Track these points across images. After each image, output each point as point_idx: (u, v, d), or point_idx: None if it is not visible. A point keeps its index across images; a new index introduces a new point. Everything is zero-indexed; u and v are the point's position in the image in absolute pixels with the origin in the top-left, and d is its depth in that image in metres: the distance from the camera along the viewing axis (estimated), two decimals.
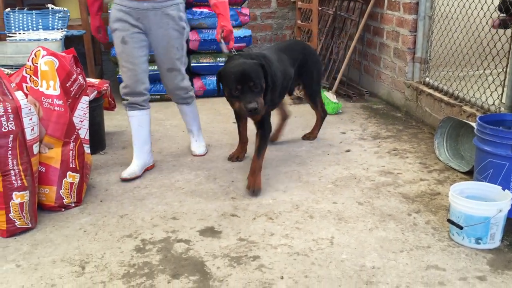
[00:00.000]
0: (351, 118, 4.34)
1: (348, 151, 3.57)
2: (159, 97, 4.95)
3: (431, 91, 3.96)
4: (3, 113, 2.38)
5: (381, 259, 2.24)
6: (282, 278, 2.13)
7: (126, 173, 3.14)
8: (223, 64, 5.01)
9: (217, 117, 4.48)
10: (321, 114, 3.77)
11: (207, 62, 5.05)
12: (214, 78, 5.04)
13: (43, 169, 2.70)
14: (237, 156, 3.45)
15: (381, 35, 4.76)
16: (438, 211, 2.66)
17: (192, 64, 5.01)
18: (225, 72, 2.79)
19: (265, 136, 3.03)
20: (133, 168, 3.17)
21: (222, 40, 3.15)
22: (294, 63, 3.36)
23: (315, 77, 3.59)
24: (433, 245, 2.35)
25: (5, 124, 2.39)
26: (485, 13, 3.36)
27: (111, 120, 4.27)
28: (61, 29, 4.66)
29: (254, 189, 2.88)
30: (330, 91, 4.73)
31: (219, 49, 5.04)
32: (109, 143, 3.81)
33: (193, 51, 5.05)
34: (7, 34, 4.58)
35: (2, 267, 2.22)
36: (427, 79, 4.12)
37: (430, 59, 4.13)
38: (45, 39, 4.41)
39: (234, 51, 3.16)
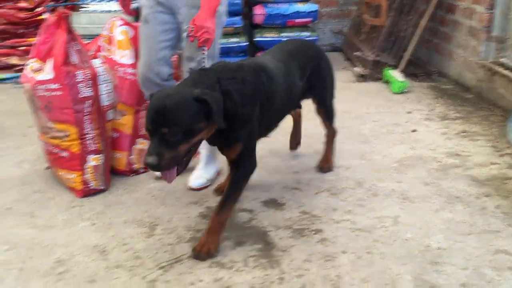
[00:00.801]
0: (417, 98, 4.21)
1: (414, 131, 3.48)
2: None
3: (506, 72, 3.76)
4: (82, 80, 2.49)
5: (447, 241, 2.19)
6: (344, 252, 2.13)
7: (197, 182, 2.71)
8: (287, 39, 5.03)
9: None
10: (334, 133, 2.99)
11: (271, 37, 5.03)
12: None
13: (116, 135, 2.82)
14: (223, 189, 2.45)
15: (454, 12, 4.55)
16: (510, 196, 2.56)
17: (256, 39, 5.02)
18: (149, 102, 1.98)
19: (238, 181, 2.20)
20: (205, 176, 2.74)
21: (186, 37, 2.37)
22: (303, 72, 2.59)
23: (329, 90, 2.87)
24: (503, 230, 2.27)
25: (83, 90, 2.51)
26: None
27: None
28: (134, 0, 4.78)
29: (202, 252, 2.10)
30: (396, 69, 4.61)
31: (283, 24, 5.03)
32: None
33: (258, 25, 5.05)
34: (81, 5, 4.75)
35: (79, 225, 2.36)
36: (503, 59, 3.92)
37: (507, 38, 3.91)
38: (116, 10, 4.54)
39: (204, 58, 2.33)
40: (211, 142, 2.19)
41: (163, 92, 1.97)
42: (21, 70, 4.70)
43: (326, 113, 2.88)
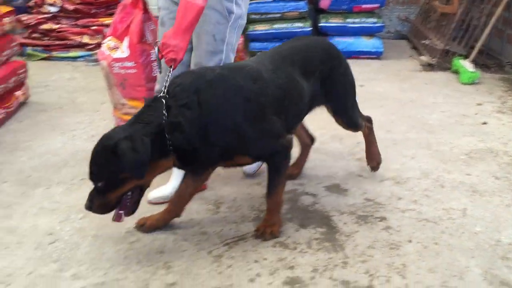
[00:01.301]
0: (488, 90, 4.04)
1: (484, 123, 3.36)
2: None
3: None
4: (155, 58, 2.56)
5: None
6: (410, 241, 2.10)
7: (152, 196, 2.41)
8: (352, 26, 4.95)
9: None
10: (369, 130, 2.67)
11: (336, 23, 4.97)
12: (341, 39, 4.96)
13: None
14: (143, 223, 2.20)
15: None
16: None
17: (321, 24, 4.97)
18: None
19: (273, 170, 2.10)
20: (163, 191, 2.43)
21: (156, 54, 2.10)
22: (311, 76, 2.25)
23: (348, 98, 2.48)
24: None
25: (155, 69, 2.58)
26: None
27: None
28: None
29: (266, 233, 2.12)
30: (466, 59, 4.43)
31: (349, 9, 4.94)
32: None
33: (323, 10, 4.99)
34: None
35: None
36: None
37: None
38: None
39: (167, 78, 2.00)
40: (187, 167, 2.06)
41: (104, 137, 1.89)
42: (92, 49, 4.94)
43: (345, 123, 2.52)
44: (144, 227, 2.18)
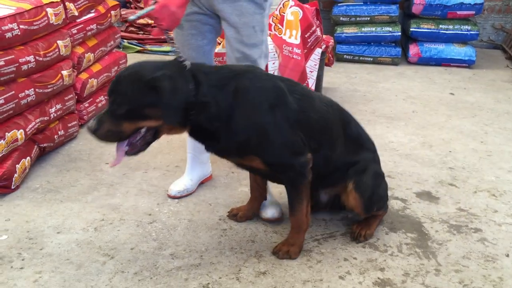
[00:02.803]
0: None
1: None
2: (371, 59, 4.95)
3: None
4: None
5: None
6: (507, 256, 2.03)
7: (175, 190, 2.41)
8: (444, 32, 4.81)
9: (431, 86, 4.32)
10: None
11: (428, 28, 4.85)
12: (432, 45, 4.85)
13: None
14: (236, 213, 2.27)
15: None
16: None
17: (411, 29, 4.87)
18: None
19: (292, 190, 1.98)
20: (184, 184, 2.44)
21: (141, 13, 1.87)
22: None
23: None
24: None
25: None
26: None
27: (326, 76, 4.42)
28: None
29: (281, 251, 2.00)
30: None
31: (443, 15, 4.80)
32: None
33: (415, 15, 4.89)
34: None
35: (238, 189, 2.53)
36: None
37: None
38: None
39: (175, 48, 1.88)
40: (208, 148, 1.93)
41: (139, 66, 1.77)
42: None
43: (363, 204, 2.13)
44: (237, 217, 2.25)
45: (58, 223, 2.19)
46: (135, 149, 1.83)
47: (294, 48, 2.88)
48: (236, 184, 2.59)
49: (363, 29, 4.86)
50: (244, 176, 2.66)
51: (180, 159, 2.84)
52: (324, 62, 3.95)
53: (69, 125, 3.00)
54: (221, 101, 1.79)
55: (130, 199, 2.40)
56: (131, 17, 1.94)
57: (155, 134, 1.82)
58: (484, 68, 4.81)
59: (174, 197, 2.41)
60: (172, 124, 1.76)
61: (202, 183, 2.54)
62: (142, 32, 5.29)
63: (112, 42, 3.72)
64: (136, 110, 1.70)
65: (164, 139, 3.06)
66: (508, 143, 3.11)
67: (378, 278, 1.89)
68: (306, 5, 3.01)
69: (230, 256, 2.00)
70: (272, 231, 2.18)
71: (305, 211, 1.99)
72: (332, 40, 3.91)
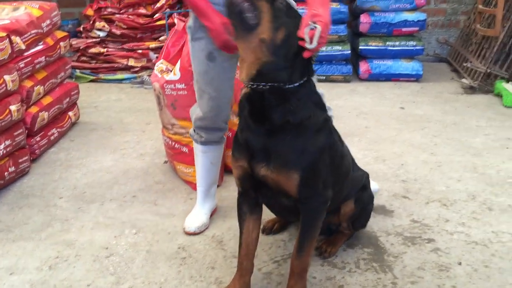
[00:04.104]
0: None
1: None
2: (324, 77, 5.06)
3: None
4: None
5: None
6: (460, 264, 2.10)
7: (194, 226, 2.35)
8: (392, 48, 4.98)
9: (382, 101, 4.45)
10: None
11: (375, 46, 5.01)
12: (380, 62, 5.01)
13: (230, 134, 2.96)
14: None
15: None
16: None
17: (360, 47, 5.03)
18: None
19: (309, 221, 1.81)
20: (201, 219, 2.39)
21: (307, 38, 1.59)
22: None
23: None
24: None
25: None
26: None
27: None
28: None
29: None
30: (509, 82, 4.39)
31: (389, 32, 4.98)
32: None
33: (363, 33, 5.05)
34: None
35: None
36: None
37: None
38: None
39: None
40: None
41: None
42: (138, 72, 5.13)
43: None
44: None
45: (11, 263, 2.12)
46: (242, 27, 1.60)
47: None
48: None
49: None
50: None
51: (137, 189, 2.81)
52: None
53: (20, 160, 2.93)
54: (302, 102, 1.64)
55: (85, 234, 2.35)
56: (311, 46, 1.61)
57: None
58: (431, 81, 5.00)
59: (194, 234, 2.33)
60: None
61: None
62: (94, 61, 5.25)
63: (63, 74, 3.68)
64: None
65: (120, 169, 3.05)
66: (456, 153, 3.23)
67: None
68: None
69: (190, 285, 1.99)
70: (231, 256, 2.18)
71: (312, 252, 1.85)
72: None
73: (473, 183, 2.82)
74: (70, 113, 3.74)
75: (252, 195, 1.82)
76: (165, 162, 3.13)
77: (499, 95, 4.35)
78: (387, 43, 4.98)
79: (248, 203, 1.85)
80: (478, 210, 2.53)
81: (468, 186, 2.78)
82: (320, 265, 2.11)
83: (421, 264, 2.10)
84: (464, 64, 4.98)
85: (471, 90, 4.59)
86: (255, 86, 1.61)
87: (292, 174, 1.67)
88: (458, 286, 1.96)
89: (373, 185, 2.51)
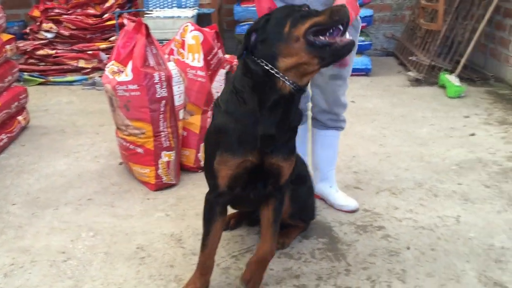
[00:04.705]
0: (474, 102, 4.21)
1: (472, 134, 3.50)
2: None
3: None
4: (158, 81, 2.68)
5: (510, 240, 2.24)
6: (408, 248, 2.21)
7: (354, 204, 2.54)
8: None
9: None
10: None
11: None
12: None
13: (185, 133, 2.99)
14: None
15: None
16: None
17: None
18: None
19: (281, 209, 1.94)
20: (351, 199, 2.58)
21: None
22: None
23: None
24: None
25: (159, 91, 2.69)
26: None
27: None
28: (193, 7, 5.01)
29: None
30: (452, 74, 4.61)
31: None
32: None
33: None
34: (146, 12, 5.01)
35: (154, 215, 2.54)
36: None
37: None
38: (178, 16, 4.77)
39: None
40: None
41: None
42: (88, 73, 5.05)
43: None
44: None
45: None
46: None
47: (198, 71, 2.95)
48: (152, 210, 2.59)
49: None
50: (159, 202, 2.67)
51: (93, 192, 2.79)
52: None
53: None
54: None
55: (41, 239, 2.32)
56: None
57: None
58: (380, 75, 5.17)
59: (353, 211, 2.51)
60: None
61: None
62: (43, 64, 5.12)
63: (10, 77, 3.58)
64: None
65: (75, 172, 3.01)
66: (403, 144, 3.38)
67: (294, 285, 1.99)
68: (206, 29, 3.09)
69: (149, 284, 2.01)
70: (191, 253, 2.21)
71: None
72: (237, 59, 4.03)
73: (419, 172, 2.96)
74: (20, 118, 3.64)
75: (232, 193, 1.82)
76: (121, 163, 3.11)
77: (443, 87, 4.56)
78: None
79: (222, 204, 1.87)
80: (424, 197, 2.66)
81: (415, 175, 2.92)
82: (277, 257, 2.17)
83: (372, 250, 2.20)
84: (410, 58, 5.18)
85: (417, 82, 4.78)
86: (297, 88, 1.68)
87: (291, 161, 1.84)
88: (407, 269, 2.07)
89: (351, 203, 2.56)
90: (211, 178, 1.84)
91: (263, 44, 1.66)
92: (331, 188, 2.60)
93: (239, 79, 1.73)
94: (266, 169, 1.77)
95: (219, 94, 3.24)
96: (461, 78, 4.62)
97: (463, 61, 4.65)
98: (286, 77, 1.66)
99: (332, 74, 2.36)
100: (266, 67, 1.65)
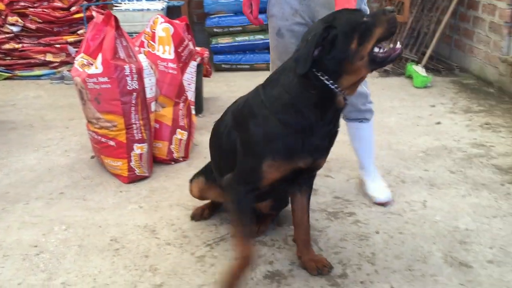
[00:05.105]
0: (440, 92, 4.33)
1: (438, 123, 3.62)
2: (248, 66, 5.17)
3: None
4: (129, 73, 2.67)
5: (474, 223, 2.33)
6: (377, 233, 2.29)
7: (383, 197, 2.54)
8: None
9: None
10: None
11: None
12: None
13: (157, 126, 2.99)
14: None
15: (476, 8, 4.65)
16: None
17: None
18: None
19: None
20: (385, 187, 2.60)
21: None
22: None
23: None
24: None
25: (130, 83, 2.68)
26: None
27: (206, 87, 4.54)
28: (162, 0, 4.97)
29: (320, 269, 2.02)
30: (418, 64, 4.73)
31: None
32: (206, 107, 4.08)
33: None
34: (114, 4, 4.95)
35: (127, 207, 2.54)
36: None
37: None
38: (148, 9, 4.73)
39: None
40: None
41: None
42: (56, 67, 4.97)
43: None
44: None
45: None
46: None
47: (169, 63, 2.95)
48: (125, 203, 2.59)
49: (236, 38, 5.06)
50: (132, 194, 2.67)
51: (64, 186, 2.77)
52: (202, 74, 4.06)
53: None
54: None
55: (12, 234, 2.30)
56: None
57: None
58: None
59: (382, 204, 2.50)
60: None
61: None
62: (9, 58, 5.01)
63: None
64: None
65: (45, 167, 2.98)
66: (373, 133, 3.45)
67: (268, 271, 2.03)
68: (176, 21, 3.09)
69: (124, 274, 2.02)
70: (165, 243, 2.23)
71: None
72: (207, 52, 4.04)
73: (388, 159, 3.04)
74: None
75: (272, 191, 1.95)
76: (92, 157, 3.09)
77: (410, 77, 4.67)
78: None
79: (255, 196, 1.88)
80: (393, 183, 2.74)
81: (384, 163, 3.00)
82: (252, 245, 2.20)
83: (343, 235, 2.27)
84: None
85: (385, 73, 4.88)
86: (348, 99, 1.80)
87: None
88: (376, 252, 2.14)
89: (381, 195, 2.54)
90: (251, 176, 1.82)
91: (328, 60, 1.67)
92: (367, 178, 2.60)
93: (299, 94, 1.72)
94: (309, 169, 1.87)
95: (190, 86, 3.26)
96: (427, 68, 4.75)
97: (429, 52, 4.78)
98: (344, 92, 1.74)
99: None
100: (328, 83, 1.69)
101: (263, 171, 1.78)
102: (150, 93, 2.84)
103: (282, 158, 1.77)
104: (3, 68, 4.98)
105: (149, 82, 2.83)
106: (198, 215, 2.42)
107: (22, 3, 4.97)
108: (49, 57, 5.01)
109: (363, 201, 2.57)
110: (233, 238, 1.96)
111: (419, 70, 4.57)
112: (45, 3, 5.04)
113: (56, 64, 5.00)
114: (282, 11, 2.33)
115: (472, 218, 2.38)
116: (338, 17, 1.73)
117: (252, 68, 5.16)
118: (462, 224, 2.33)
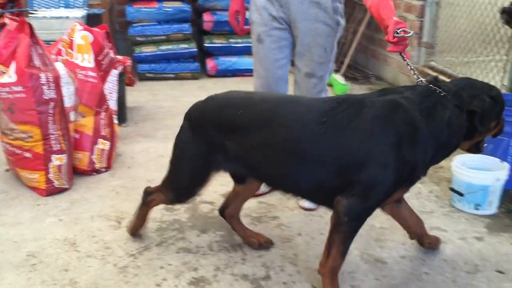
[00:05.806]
0: None
1: None
2: (173, 75, 5.15)
3: (435, 74, 4.16)
4: (45, 82, 2.58)
5: (388, 221, 2.46)
6: (300, 234, 2.36)
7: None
8: (235, 46, 5.24)
9: None
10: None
11: (220, 43, 5.23)
12: (226, 58, 5.25)
13: (77, 136, 2.91)
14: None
15: None
16: (441, 182, 2.89)
17: (206, 45, 5.21)
18: None
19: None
20: None
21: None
22: None
23: None
24: (436, 210, 2.59)
25: (46, 92, 2.60)
26: (489, 1, 3.56)
27: (129, 96, 4.47)
28: (82, 7, 4.84)
29: None
30: (338, 73, 4.94)
31: (231, 30, 5.24)
32: (130, 116, 4.02)
33: (207, 32, 5.24)
34: (30, 11, 4.75)
35: (45, 221, 2.45)
36: (432, 63, 4.33)
37: (436, 44, 4.33)
38: (67, 16, 4.59)
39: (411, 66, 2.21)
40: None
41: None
42: None
43: None
44: None
45: None
46: None
47: (89, 72, 2.88)
48: (43, 216, 2.50)
49: (160, 47, 5.02)
50: (51, 207, 2.57)
51: None
52: (125, 83, 3.99)
53: None
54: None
55: None
56: None
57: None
58: None
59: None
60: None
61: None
62: None
63: None
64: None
65: None
66: None
67: (193, 277, 2.04)
68: (95, 28, 3.03)
69: None
70: (86, 256, 2.17)
71: None
72: (130, 60, 3.98)
73: None
74: None
75: None
76: (7, 170, 2.94)
77: (330, 85, 4.86)
78: (230, 40, 5.23)
79: None
80: None
81: None
82: (175, 253, 2.21)
83: None
84: None
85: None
86: None
87: None
88: (299, 253, 2.21)
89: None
90: (378, 198, 1.90)
91: (477, 122, 1.93)
92: None
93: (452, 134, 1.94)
94: None
95: (111, 95, 3.19)
96: (346, 76, 4.97)
97: (347, 61, 5.01)
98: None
99: (307, 72, 2.48)
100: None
101: (388, 193, 1.91)
102: (68, 102, 2.76)
103: (409, 184, 2.04)
104: None
105: (68, 90, 2.75)
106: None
107: None
108: None
109: (286, 205, 2.64)
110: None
111: (338, 78, 4.77)
112: None
113: None
114: (261, 17, 2.43)
115: (387, 217, 2.51)
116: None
117: (177, 77, 5.14)
118: (377, 223, 2.46)
